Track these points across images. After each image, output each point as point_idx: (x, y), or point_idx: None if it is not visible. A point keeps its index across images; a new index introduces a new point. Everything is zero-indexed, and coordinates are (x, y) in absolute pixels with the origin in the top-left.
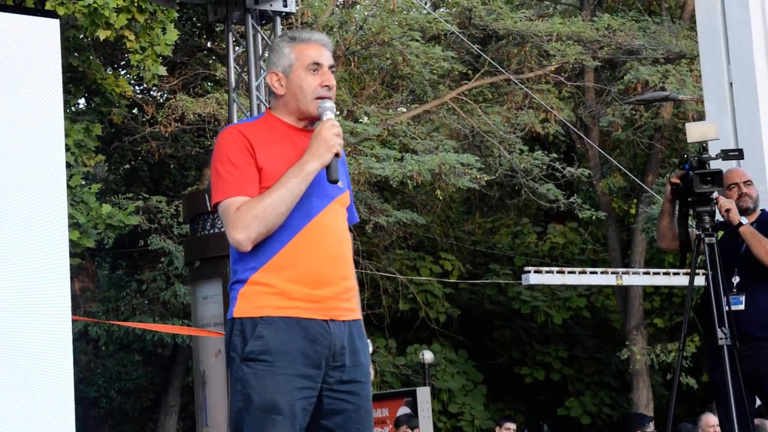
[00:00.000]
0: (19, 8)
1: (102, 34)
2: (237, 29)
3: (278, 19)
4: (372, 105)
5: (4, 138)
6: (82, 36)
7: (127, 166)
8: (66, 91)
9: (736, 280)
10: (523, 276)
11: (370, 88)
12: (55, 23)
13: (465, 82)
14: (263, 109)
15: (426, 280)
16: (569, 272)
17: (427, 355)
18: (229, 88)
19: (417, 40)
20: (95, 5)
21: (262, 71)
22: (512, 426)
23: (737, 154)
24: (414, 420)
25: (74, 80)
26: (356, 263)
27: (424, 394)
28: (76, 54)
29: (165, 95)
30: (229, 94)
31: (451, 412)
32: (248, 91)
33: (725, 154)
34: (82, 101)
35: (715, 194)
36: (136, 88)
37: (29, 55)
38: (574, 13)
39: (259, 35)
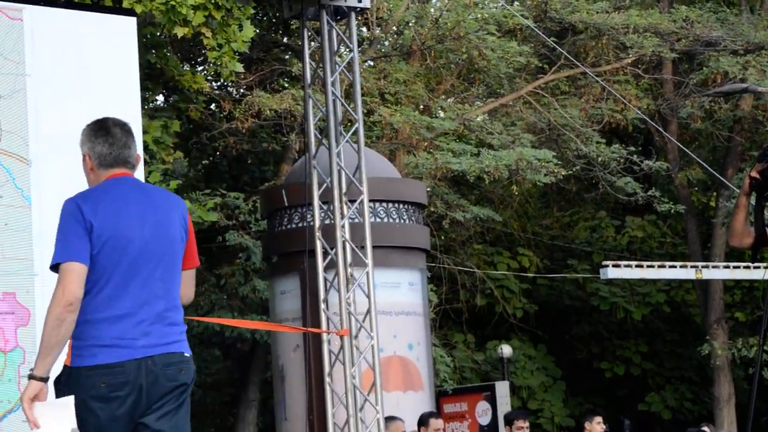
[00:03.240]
0: (97, 6)
1: (179, 32)
2: (312, 25)
3: (353, 15)
4: (448, 99)
5: None
6: (159, 33)
7: (206, 161)
8: (144, 88)
9: None
10: (602, 270)
11: (447, 82)
12: (133, 21)
13: (541, 75)
14: (338, 105)
15: (503, 275)
16: (648, 266)
17: (506, 350)
18: (304, 84)
19: (493, 34)
20: (173, 2)
21: (337, 67)
22: (601, 420)
23: None
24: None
25: (152, 77)
26: (433, 258)
27: (503, 389)
28: (153, 51)
29: (241, 91)
30: (305, 90)
31: (530, 408)
32: (323, 86)
33: None
34: (159, 98)
35: None
36: (213, 84)
37: (107, 52)
38: (651, 4)
39: (334, 31)
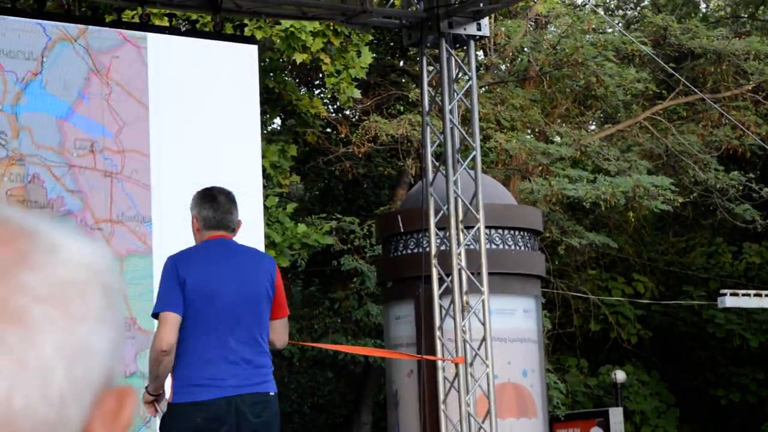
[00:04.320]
0: (219, 35)
1: (299, 58)
2: (430, 52)
3: (472, 43)
4: (564, 124)
5: (206, 160)
6: (278, 58)
7: (321, 185)
8: (261, 112)
9: None
10: (719, 299)
11: (562, 106)
12: (254, 49)
13: (659, 101)
14: (456, 132)
15: (617, 301)
16: (766, 295)
17: (620, 375)
18: (422, 112)
19: (611, 60)
20: (292, 29)
21: (455, 94)
22: None
23: None
24: None
25: (270, 101)
26: (547, 282)
27: (617, 415)
28: (272, 75)
29: (358, 115)
30: (423, 117)
31: None
32: (441, 113)
33: None
34: (277, 121)
35: None
36: (330, 107)
37: (228, 79)
38: None
39: (453, 59)
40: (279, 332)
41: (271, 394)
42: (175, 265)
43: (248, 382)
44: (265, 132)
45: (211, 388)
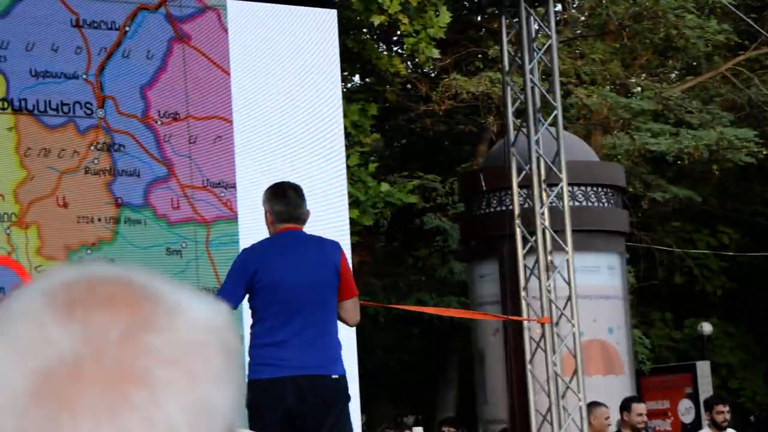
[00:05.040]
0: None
1: (376, 20)
2: (509, 11)
3: (551, 1)
4: (644, 76)
5: (287, 124)
6: (356, 17)
7: (403, 141)
8: (341, 71)
9: None
10: None
11: (642, 57)
12: (333, 14)
13: (741, 52)
14: (537, 92)
15: (702, 254)
16: None
17: (707, 328)
18: (502, 72)
19: (692, 12)
20: None
21: (535, 53)
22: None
23: None
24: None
25: (349, 60)
26: (631, 235)
27: (704, 368)
28: (352, 34)
29: (437, 71)
30: (503, 77)
31: (731, 387)
32: (521, 71)
33: None
34: (356, 78)
35: None
36: (408, 63)
37: (308, 43)
38: None
39: (532, 17)
40: (350, 311)
41: (334, 377)
42: (247, 256)
43: (314, 363)
44: (344, 90)
45: (278, 367)
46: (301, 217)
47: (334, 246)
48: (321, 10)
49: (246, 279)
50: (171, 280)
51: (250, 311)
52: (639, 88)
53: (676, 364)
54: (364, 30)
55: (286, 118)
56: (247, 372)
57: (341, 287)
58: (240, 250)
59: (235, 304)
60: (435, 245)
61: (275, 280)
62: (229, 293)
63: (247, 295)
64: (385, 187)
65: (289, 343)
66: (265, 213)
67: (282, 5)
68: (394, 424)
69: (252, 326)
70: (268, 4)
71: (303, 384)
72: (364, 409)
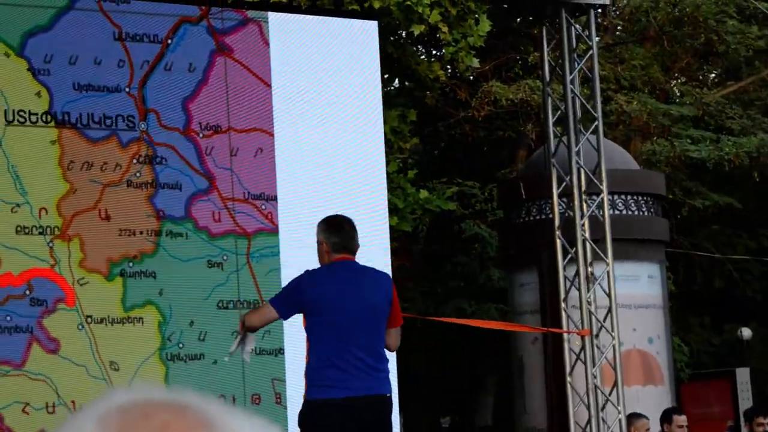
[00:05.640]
0: (339, 11)
1: (416, 29)
2: (550, 21)
3: (592, 12)
4: (683, 79)
5: (329, 136)
6: (395, 22)
7: (442, 146)
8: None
9: None
10: None
11: (682, 60)
12: (374, 25)
13: None
14: (577, 102)
15: (742, 258)
16: None
17: (746, 333)
18: (543, 82)
19: (733, 17)
20: (408, 2)
21: (576, 64)
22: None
23: None
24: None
25: (388, 64)
26: (671, 240)
27: (743, 375)
28: (391, 39)
29: (474, 75)
30: (543, 88)
31: None
32: (561, 81)
33: None
34: (395, 83)
35: None
36: (448, 67)
37: (349, 55)
38: None
39: (573, 28)
40: (393, 338)
41: (387, 395)
42: (304, 278)
43: (365, 385)
44: (383, 95)
45: (335, 389)
46: (355, 248)
47: (387, 277)
48: (362, 22)
49: (300, 299)
50: (223, 404)
51: (306, 334)
52: (679, 94)
53: (715, 371)
54: (404, 34)
55: (327, 130)
56: (304, 392)
57: (391, 316)
58: (281, 263)
59: (285, 316)
60: (473, 252)
61: (335, 305)
62: (280, 304)
63: (305, 318)
64: (424, 194)
65: (348, 365)
66: (320, 243)
67: (323, 17)
68: (430, 426)
69: (310, 348)
70: (310, 16)
71: (361, 404)
72: (401, 410)
